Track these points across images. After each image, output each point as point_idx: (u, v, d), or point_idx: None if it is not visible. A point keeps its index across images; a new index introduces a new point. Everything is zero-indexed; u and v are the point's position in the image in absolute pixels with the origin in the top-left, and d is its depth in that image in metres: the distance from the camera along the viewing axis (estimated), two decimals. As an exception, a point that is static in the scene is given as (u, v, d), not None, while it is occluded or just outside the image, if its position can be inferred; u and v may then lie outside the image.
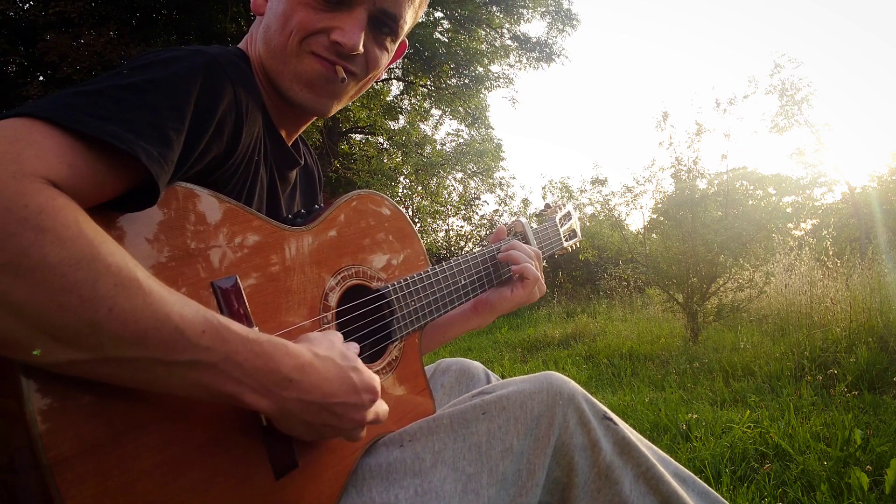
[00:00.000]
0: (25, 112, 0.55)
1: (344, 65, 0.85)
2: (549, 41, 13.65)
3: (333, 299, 0.84)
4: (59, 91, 0.62)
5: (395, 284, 0.94)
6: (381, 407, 0.75)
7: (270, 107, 0.88)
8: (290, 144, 0.94)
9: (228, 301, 0.68)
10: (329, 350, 0.69)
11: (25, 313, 0.48)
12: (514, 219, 1.31)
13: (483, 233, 13.18)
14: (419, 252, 1.04)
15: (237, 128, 0.75)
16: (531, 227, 1.32)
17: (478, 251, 1.16)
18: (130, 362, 0.53)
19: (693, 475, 0.95)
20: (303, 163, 0.98)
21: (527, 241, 1.27)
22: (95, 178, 0.57)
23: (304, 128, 0.99)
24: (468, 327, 1.19)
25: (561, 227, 1.44)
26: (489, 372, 1.18)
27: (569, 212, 1.50)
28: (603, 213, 7.43)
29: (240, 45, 0.90)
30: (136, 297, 0.52)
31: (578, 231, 1.53)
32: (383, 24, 0.87)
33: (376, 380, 0.73)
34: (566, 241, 1.46)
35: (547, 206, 1.49)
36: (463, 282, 1.08)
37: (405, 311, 0.95)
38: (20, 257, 0.47)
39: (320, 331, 0.79)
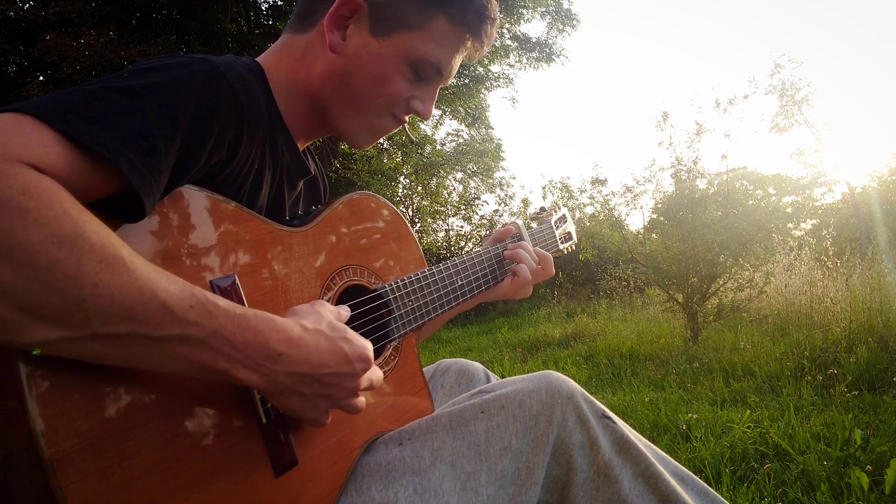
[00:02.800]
0: (15, 108, 0.56)
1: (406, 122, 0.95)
2: (549, 41, 13.64)
3: (332, 299, 0.85)
4: (59, 90, 0.62)
5: (392, 285, 0.94)
6: (374, 374, 0.75)
7: (291, 120, 0.90)
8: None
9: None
10: (318, 322, 0.69)
11: (10, 292, 0.49)
12: (511, 220, 1.32)
13: (483, 233, 13.16)
14: (416, 253, 1.04)
15: (238, 136, 0.75)
16: (527, 230, 1.32)
17: (475, 252, 1.16)
18: (119, 338, 0.54)
19: (692, 474, 0.95)
20: (312, 173, 0.99)
21: None
22: (81, 175, 0.57)
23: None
24: (450, 313, 1.20)
25: (557, 229, 1.45)
26: (489, 372, 1.18)
27: (564, 214, 1.51)
28: (603, 213, 7.42)
29: (260, 58, 0.91)
30: (120, 273, 0.53)
31: (574, 234, 1.54)
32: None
33: (369, 347, 0.73)
34: (562, 243, 1.47)
35: (542, 209, 1.49)
36: (460, 283, 1.09)
37: (403, 312, 0.96)
38: (2, 236, 0.48)
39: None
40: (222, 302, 0.60)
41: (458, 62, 0.93)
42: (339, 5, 0.85)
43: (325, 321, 0.70)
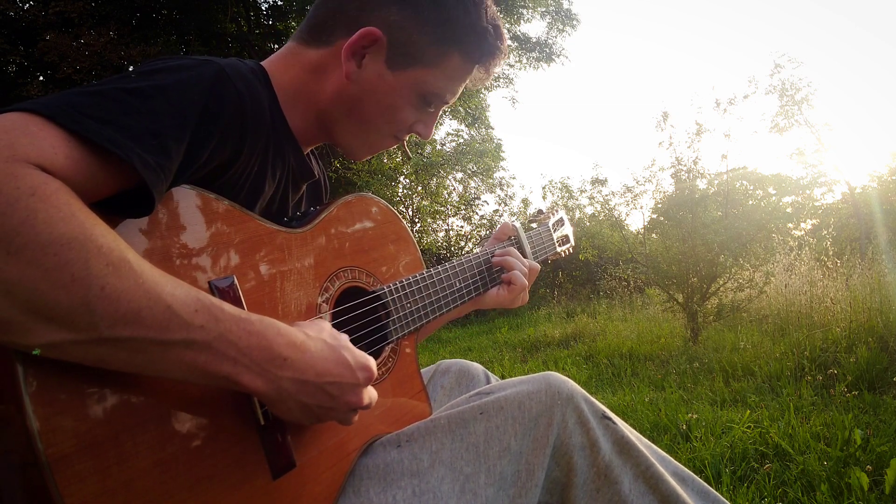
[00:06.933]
0: (25, 107, 0.56)
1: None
2: (549, 41, 13.66)
3: (330, 300, 0.85)
4: (64, 90, 0.62)
5: (391, 286, 0.94)
6: (373, 392, 0.75)
7: (294, 125, 0.90)
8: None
9: (226, 301, 0.68)
10: (319, 332, 0.69)
11: (17, 293, 0.49)
12: (512, 220, 1.31)
13: (483, 233, 13.15)
14: (414, 255, 1.04)
15: (241, 139, 0.76)
16: (525, 232, 1.32)
17: (473, 255, 1.16)
18: (125, 342, 0.53)
19: (692, 474, 0.95)
20: (317, 176, 1.00)
21: (521, 245, 1.28)
22: (89, 174, 0.57)
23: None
24: (448, 316, 1.20)
25: (554, 232, 1.45)
26: (489, 373, 1.18)
27: (562, 217, 1.51)
28: (603, 213, 7.42)
29: (265, 63, 0.91)
30: (127, 276, 0.53)
31: (571, 237, 1.54)
32: None
33: (371, 359, 0.73)
34: (559, 246, 1.47)
35: (539, 211, 1.50)
36: (458, 285, 1.09)
37: (401, 314, 0.95)
38: (11, 236, 0.48)
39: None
40: (226, 306, 0.60)
41: (461, 88, 0.98)
42: (359, 37, 0.85)
43: (325, 331, 0.71)
